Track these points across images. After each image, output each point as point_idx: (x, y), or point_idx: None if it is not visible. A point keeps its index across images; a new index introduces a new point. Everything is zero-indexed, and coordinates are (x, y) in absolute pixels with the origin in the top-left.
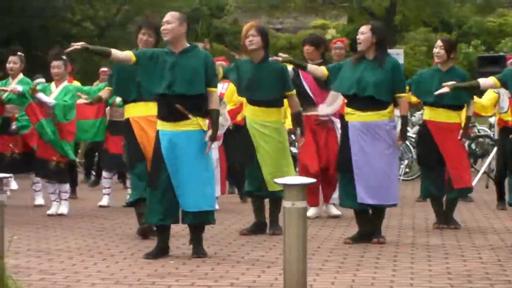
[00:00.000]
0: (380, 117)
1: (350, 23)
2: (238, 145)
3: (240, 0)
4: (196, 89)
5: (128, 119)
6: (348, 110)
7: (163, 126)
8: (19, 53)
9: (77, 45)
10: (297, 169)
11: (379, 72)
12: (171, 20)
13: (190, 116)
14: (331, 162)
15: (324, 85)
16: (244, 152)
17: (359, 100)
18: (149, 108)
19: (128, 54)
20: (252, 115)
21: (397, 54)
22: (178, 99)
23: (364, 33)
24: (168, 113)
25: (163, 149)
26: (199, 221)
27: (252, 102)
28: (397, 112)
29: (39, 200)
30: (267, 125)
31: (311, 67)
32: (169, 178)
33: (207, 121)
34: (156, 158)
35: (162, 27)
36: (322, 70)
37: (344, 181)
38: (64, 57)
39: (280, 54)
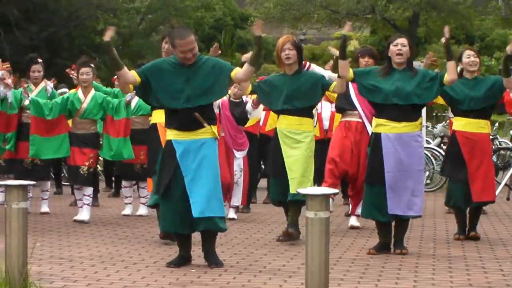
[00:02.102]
0: (414, 128)
1: (372, 34)
2: (268, 155)
3: (264, 11)
4: (213, 97)
5: (155, 124)
6: (380, 121)
7: (177, 136)
8: (39, 60)
9: (109, 34)
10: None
11: (415, 80)
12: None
13: (205, 124)
14: (361, 174)
15: None
16: (273, 162)
17: (396, 110)
18: None
19: (133, 75)
20: (286, 124)
21: (420, 65)
22: (196, 109)
23: (405, 45)
24: (185, 124)
25: (178, 157)
26: (212, 227)
27: (287, 111)
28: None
29: (45, 208)
30: (301, 134)
31: (342, 62)
32: (184, 186)
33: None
34: (169, 167)
35: (188, 50)
36: (350, 72)
37: (371, 193)
38: (92, 65)
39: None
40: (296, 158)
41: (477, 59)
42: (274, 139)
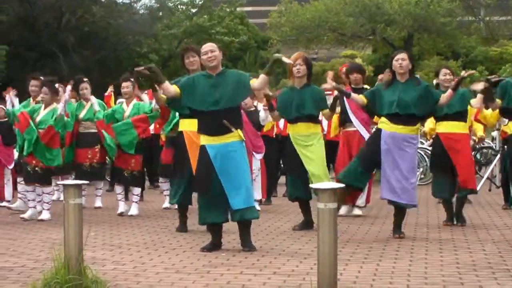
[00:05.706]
0: (409, 131)
1: (374, 52)
2: (283, 157)
3: (281, 34)
4: (238, 99)
5: (181, 132)
6: (383, 119)
7: (208, 141)
8: (85, 79)
9: (146, 67)
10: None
11: (417, 92)
12: (214, 49)
13: (233, 129)
14: None
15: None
16: (290, 162)
17: (396, 116)
18: None
19: (175, 89)
20: (296, 129)
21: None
22: (223, 114)
23: (405, 59)
24: (214, 128)
25: (212, 159)
26: (247, 217)
27: (296, 119)
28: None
29: (98, 203)
30: (310, 136)
31: (353, 95)
32: (219, 184)
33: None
34: (205, 168)
35: (208, 55)
36: (362, 99)
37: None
38: (132, 79)
39: (330, 82)
40: (312, 158)
41: (452, 77)
42: (288, 143)
